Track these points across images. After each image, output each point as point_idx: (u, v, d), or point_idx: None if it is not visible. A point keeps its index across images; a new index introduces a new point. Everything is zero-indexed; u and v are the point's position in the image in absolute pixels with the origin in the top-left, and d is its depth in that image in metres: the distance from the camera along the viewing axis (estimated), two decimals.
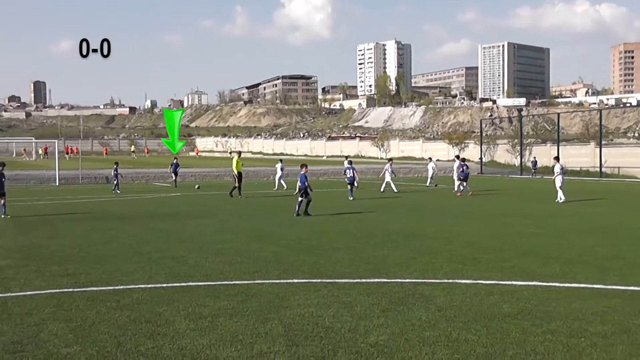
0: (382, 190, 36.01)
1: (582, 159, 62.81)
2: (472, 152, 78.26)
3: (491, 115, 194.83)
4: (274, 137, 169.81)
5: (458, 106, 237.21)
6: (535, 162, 59.08)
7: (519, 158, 66.30)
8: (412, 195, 35.26)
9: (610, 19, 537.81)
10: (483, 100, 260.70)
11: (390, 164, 37.91)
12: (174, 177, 44.95)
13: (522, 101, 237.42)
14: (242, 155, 38.59)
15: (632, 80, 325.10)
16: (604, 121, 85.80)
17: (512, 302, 9.92)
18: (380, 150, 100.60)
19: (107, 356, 7.52)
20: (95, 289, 11.22)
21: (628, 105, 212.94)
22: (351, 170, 31.95)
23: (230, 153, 66.56)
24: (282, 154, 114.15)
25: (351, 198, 30.98)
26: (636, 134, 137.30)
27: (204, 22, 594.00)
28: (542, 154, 64.11)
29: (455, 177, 36.18)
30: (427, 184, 43.32)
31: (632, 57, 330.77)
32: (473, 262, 13.67)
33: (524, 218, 22.80)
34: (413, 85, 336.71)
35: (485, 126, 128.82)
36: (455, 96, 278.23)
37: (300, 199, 24.09)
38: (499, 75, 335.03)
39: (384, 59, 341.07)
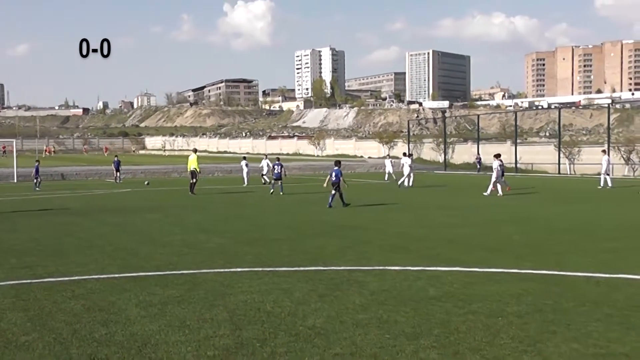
0: (402, 183, 36.17)
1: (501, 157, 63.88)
2: (400, 150, 78.81)
3: (418, 116, 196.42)
4: (218, 136, 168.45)
5: (388, 108, 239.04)
6: (479, 160, 57.85)
7: (443, 155, 67.20)
8: (350, 189, 35.37)
9: (523, 30, 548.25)
10: (410, 102, 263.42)
11: (411, 158, 37.93)
12: (115, 174, 44.61)
13: (445, 104, 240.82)
14: (189, 153, 38.13)
15: (544, 86, 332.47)
16: (519, 122, 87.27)
17: (437, 286, 10.06)
18: (316, 148, 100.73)
19: (63, 343, 7.38)
20: (52, 280, 10.99)
21: (540, 107, 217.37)
22: (279, 167, 32.08)
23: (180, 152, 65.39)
24: (225, 152, 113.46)
25: (281, 193, 31.26)
26: (547, 134, 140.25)
27: (153, 28, 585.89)
28: (464, 152, 65.13)
29: (405, 172, 36.30)
30: (386, 179, 43.41)
31: (544, 65, 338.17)
32: (403, 251, 13.80)
33: (449, 210, 23.09)
34: (347, 88, 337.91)
35: (413, 126, 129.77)
36: (385, 99, 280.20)
37: (333, 192, 24.48)
38: (425, 80, 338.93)
39: (320, 64, 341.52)
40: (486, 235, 16.38)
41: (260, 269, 11.69)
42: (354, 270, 11.51)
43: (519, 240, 15.26)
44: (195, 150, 35.37)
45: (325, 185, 25.66)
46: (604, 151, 38.19)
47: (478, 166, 57.03)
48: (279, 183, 31.85)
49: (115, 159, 46.21)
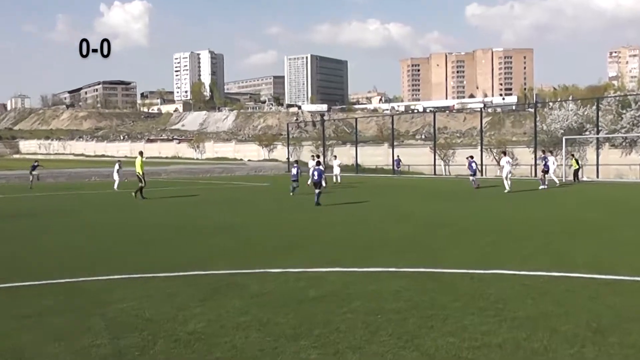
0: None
1: (378, 158, 65.46)
2: (280, 152, 79.35)
3: (297, 119, 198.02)
4: (96, 139, 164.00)
5: (267, 111, 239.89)
6: (398, 161, 57.10)
7: (322, 158, 67.89)
8: (232, 191, 35.19)
9: (398, 37, 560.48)
10: (290, 105, 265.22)
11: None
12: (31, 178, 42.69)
13: (324, 107, 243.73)
14: (64, 157, 36.67)
15: (419, 90, 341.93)
16: (396, 125, 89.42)
17: (318, 286, 10.11)
18: (196, 151, 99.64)
19: None
20: None
21: (415, 111, 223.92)
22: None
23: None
24: (103, 155, 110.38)
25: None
26: (423, 136, 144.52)
27: (27, 28, 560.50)
28: (343, 154, 66.02)
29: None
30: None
31: (419, 70, 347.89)
32: (285, 252, 13.82)
33: (333, 210, 23.34)
34: (226, 91, 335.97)
35: (292, 129, 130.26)
36: (265, 102, 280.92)
37: (317, 191, 24.59)
38: (304, 84, 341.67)
39: (199, 67, 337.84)
40: (366, 234, 16.64)
41: (141, 275, 11.39)
42: (235, 273, 11.42)
43: (398, 238, 15.60)
44: (141, 153, 32.70)
45: (308, 184, 25.78)
46: (504, 152, 37.43)
47: (397, 167, 56.89)
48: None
49: (35, 163, 44.89)
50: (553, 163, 36.79)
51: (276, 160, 79.67)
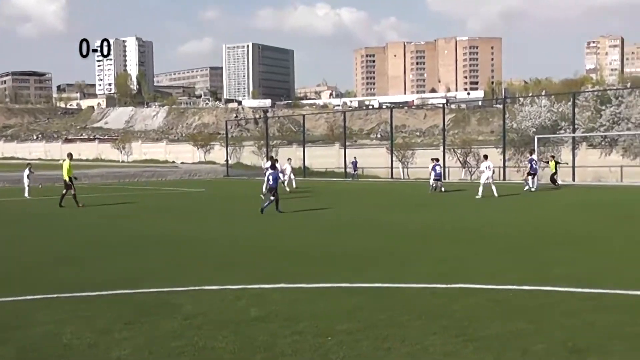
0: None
1: (328, 160, 65.62)
2: (218, 153, 79.01)
3: (237, 116, 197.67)
4: (4, 139, 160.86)
5: (203, 107, 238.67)
6: (355, 163, 56.71)
7: (265, 159, 67.75)
8: (164, 198, 34.90)
9: (350, 23, 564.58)
10: (228, 101, 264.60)
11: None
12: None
13: (267, 102, 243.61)
14: None
15: (374, 84, 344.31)
16: (348, 123, 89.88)
17: (260, 305, 10.06)
18: (121, 153, 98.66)
19: None
20: None
21: (370, 107, 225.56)
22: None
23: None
24: (13, 157, 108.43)
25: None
26: (379, 135, 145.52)
27: None
28: (289, 155, 65.96)
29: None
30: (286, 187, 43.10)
31: (374, 61, 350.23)
32: (223, 267, 13.74)
33: (282, 219, 23.30)
34: (156, 84, 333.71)
35: (231, 127, 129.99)
36: (200, 96, 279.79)
37: (272, 198, 24.68)
38: (244, 76, 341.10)
39: (125, 56, 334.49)
40: (317, 245, 16.66)
41: (58, 295, 11.17)
42: (167, 291, 11.29)
43: (353, 249, 15.66)
44: (70, 156, 32.05)
45: (264, 191, 25.65)
46: (485, 156, 36.96)
47: (354, 171, 56.72)
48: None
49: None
50: (535, 164, 37.52)
51: (213, 163, 79.27)
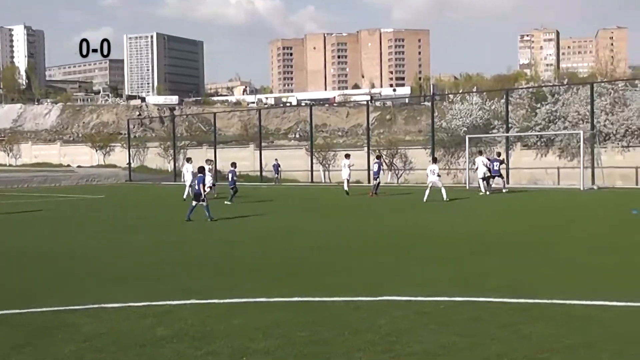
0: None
1: (242, 162, 65.19)
2: (119, 156, 78.04)
3: (140, 114, 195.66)
4: None
5: (102, 104, 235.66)
6: (277, 166, 57.29)
7: (172, 162, 67.27)
8: (58, 206, 34.29)
9: (266, 13, 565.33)
10: (130, 97, 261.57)
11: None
12: None
13: (174, 99, 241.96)
14: None
15: (292, 79, 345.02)
16: (264, 122, 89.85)
17: (167, 323, 9.98)
18: (9, 155, 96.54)
19: None
20: None
21: (288, 104, 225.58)
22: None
23: None
24: None
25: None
26: (297, 135, 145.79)
27: None
28: (198, 158, 65.61)
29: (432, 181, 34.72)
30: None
31: (291, 54, 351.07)
32: (126, 282, 13.57)
33: (192, 227, 23.16)
34: (48, 79, 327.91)
35: (134, 127, 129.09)
36: (99, 92, 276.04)
37: (194, 203, 24.72)
38: (148, 70, 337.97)
39: (11, 46, 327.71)
40: (233, 255, 16.64)
41: None
42: (63, 310, 11.09)
43: (272, 261, 15.70)
44: None
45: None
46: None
47: (276, 174, 56.45)
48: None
49: None
50: (482, 163, 38.24)
51: (114, 166, 78.19)
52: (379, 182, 38.15)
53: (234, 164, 36.35)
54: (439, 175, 34.15)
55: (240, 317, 10.35)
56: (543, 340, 8.74)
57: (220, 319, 10.27)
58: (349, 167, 38.89)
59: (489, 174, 37.74)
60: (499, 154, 40.72)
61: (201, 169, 26.07)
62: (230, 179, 35.02)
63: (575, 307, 10.54)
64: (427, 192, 32.85)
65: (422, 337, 8.98)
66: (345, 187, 38.17)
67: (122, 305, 11.31)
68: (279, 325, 9.72)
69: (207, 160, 33.37)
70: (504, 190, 38.13)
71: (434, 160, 36.48)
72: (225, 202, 33.04)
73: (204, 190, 25.11)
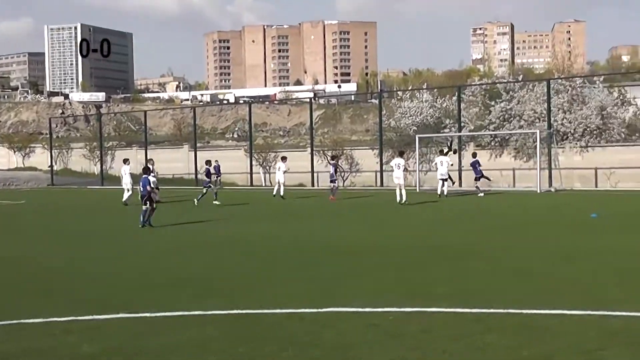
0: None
1: (176, 164, 64.99)
2: (40, 158, 77.09)
3: (63, 112, 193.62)
4: None
5: (21, 101, 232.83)
6: (218, 167, 55.69)
7: (99, 164, 66.66)
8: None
9: (200, 3, 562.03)
10: (52, 94, 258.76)
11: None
12: None
13: (101, 96, 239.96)
14: None
15: (229, 74, 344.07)
16: (199, 120, 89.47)
17: (94, 340, 9.85)
18: None
19: None
20: None
21: (225, 102, 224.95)
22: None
23: None
24: None
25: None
26: (235, 135, 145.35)
27: None
28: (130, 158, 65.12)
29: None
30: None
31: (229, 48, 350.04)
32: (46, 295, 13.43)
33: (123, 237, 22.99)
34: None
35: (57, 126, 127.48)
36: (17, 88, 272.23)
37: (145, 207, 24.46)
38: (72, 64, 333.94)
39: None
40: (164, 268, 16.51)
41: None
42: None
43: (208, 272, 15.65)
44: None
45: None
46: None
47: (217, 177, 55.79)
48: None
49: None
50: (447, 163, 38.65)
51: (35, 169, 77.21)
52: (336, 187, 38.11)
53: (208, 162, 38.54)
54: (406, 169, 34.26)
55: (173, 332, 10.27)
56: (498, 352, 8.80)
57: (152, 334, 10.17)
58: (283, 172, 39.12)
59: (479, 176, 39.22)
60: (474, 155, 41.33)
61: (145, 170, 25.90)
62: (206, 177, 36.52)
63: (531, 317, 10.62)
64: (398, 192, 32.89)
65: (371, 351, 9.00)
66: (281, 192, 38.04)
67: (44, 321, 11.15)
68: (217, 340, 9.67)
69: (149, 160, 33.22)
70: (480, 195, 38.41)
71: (400, 154, 36.25)
72: (214, 202, 35.21)
73: (154, 192, 24.92)
